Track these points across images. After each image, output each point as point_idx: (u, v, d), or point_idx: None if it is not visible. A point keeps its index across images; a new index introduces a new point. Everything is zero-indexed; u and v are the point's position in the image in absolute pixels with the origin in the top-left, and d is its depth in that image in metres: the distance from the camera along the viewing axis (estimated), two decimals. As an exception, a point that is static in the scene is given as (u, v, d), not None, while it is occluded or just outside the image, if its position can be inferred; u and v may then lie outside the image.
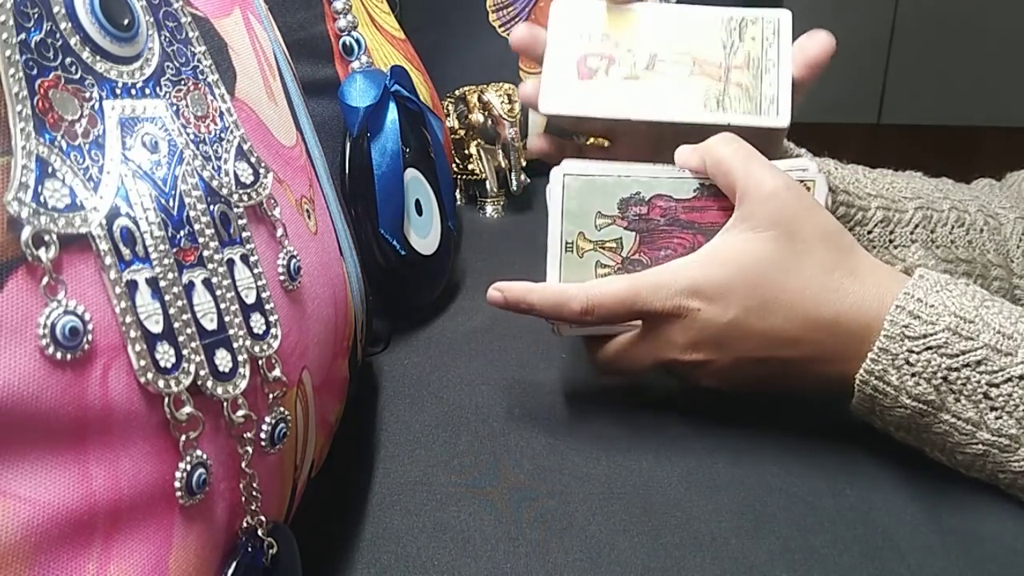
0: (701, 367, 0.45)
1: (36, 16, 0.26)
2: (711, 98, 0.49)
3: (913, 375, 0.40)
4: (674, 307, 0.43)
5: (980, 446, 0.40)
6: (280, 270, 0.33)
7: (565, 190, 0.46)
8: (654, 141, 0.51)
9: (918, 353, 0.40)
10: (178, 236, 0.28)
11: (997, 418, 0.39)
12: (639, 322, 0.45)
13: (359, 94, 0.57)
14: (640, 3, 0.51)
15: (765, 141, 0.50)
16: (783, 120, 0.48)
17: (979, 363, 0.39)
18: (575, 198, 0.46)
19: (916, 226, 0.53)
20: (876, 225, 0.52)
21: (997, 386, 0.39)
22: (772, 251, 0.42)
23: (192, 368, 0.27)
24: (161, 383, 0.26)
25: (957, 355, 0.39)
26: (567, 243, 0.47)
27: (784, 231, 0.42)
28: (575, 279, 0.46)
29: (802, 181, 0.46)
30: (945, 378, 0.40)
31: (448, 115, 0.88)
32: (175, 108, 0.30)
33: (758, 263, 0.42)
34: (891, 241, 0.53)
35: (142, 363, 0.26)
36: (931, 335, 0.40)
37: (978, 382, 0.39)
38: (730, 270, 0.42)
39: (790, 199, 0.43)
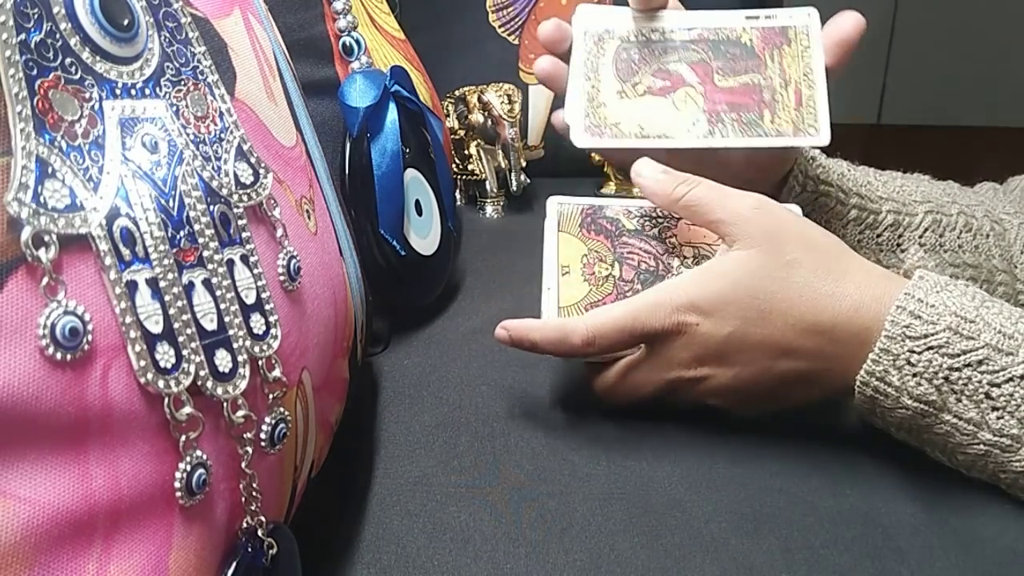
0: (704, 383, 0.45)
1: (36, 16, 0.26)
2: (746, 122, 0.49)
3: (914, 375, 0.40)
4: (674, 324, 0.43)
5: (982, 446, 0.40)
6: (280, 270, 0.33)
7: (560, 218, 0.48)
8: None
9: (919, 353, 0.40)
10: (178, 236, 0.28)
11: (999, 418, 0.39)
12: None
13: (359, 94, 0.57)
14: (668, 11, 0.51)
15: (785, 155, 0.50)
16: (823, 139, 0.48)
17: (980, 363, 0.39)
18: (568, 226, 0.48)
19: (925, 230, 0.53)
20: (886, 229, 0.53)
21: (998, 386, 0.39)
22: (762, 264, 0.42)
23: (192, 368, 0.27)
24: (161, 383, 0.26)
25: (958, 355, 0.39)
26: (563, 267, 0.48)
27: (770, 243, 0.43)
28: (572, 299, 0.47)
29: None
30: (947, 378, 0.40)
31: (448, 115, 0.88)
32: (175, 108, 0.30)
33: (751, 275, 0.43)
34: (899, 245, 0.53)
35: (142, 363, 0.26)
36: (932, 335, 0.40)
37: (979, 382, 0.39)
38: (725, 283, 0.43)
39: (768, 213, 0.44)
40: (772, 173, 0.54)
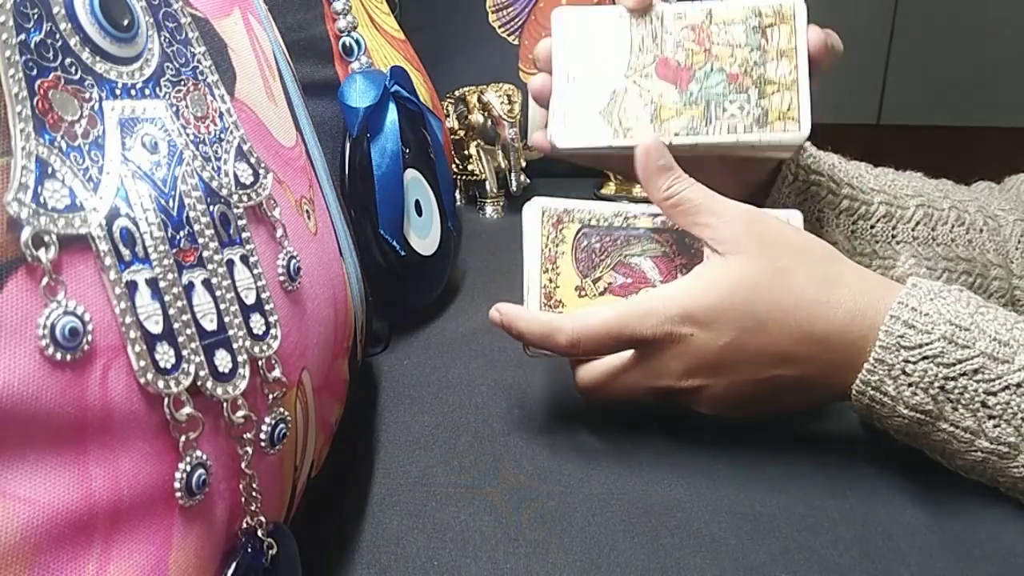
0: (696, 393, 0.44)
1: (36, 16, 0.26)
2: (732, 116, 0.47)
3: (910, 385, 0.40)
4: (665, 334, 0.42)
5: (979, 454, 0.40)
6: (280, 270, 0.33)
7: (544, 220, 0.47)
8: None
9: (914, 363, 0.39)
10: (178, 237, 0.28)
11: (995, 426, 0.39)
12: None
13: (359, 95, 0.57)
14: (652, 5, 0.48)
15: (777, 152, 0.49)
16: (804, 132, 0.47)
17: (976, 371, 0.39)
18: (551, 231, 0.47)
19: (917, 223, 0.53)
20: (879, 220, 0.52)
21: (995, 394, 0.39)
22: (755, 272, 0.42)
23: (192, 369, 0.27)
24: (161, 383, 0.26)
25: (954, 364, 0.39)
26: (545, 268, 0.47)
27: (760, 251, 0.42)
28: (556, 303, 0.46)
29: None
30: (942, 387, 0.39)
31: (448, 115, 0.88)
32: (175, 109, 0.30)
33: (746, 284, 0.42)
34: (893, 236, 0.53)
35: (142, 363, 0.26)
36: (927, 344, 0.39)
37: (975, 391, 0.39)
38: (720, 293, 0.42)
39: (757, 222, 0.43)
40: (760, 163, 0.53)
